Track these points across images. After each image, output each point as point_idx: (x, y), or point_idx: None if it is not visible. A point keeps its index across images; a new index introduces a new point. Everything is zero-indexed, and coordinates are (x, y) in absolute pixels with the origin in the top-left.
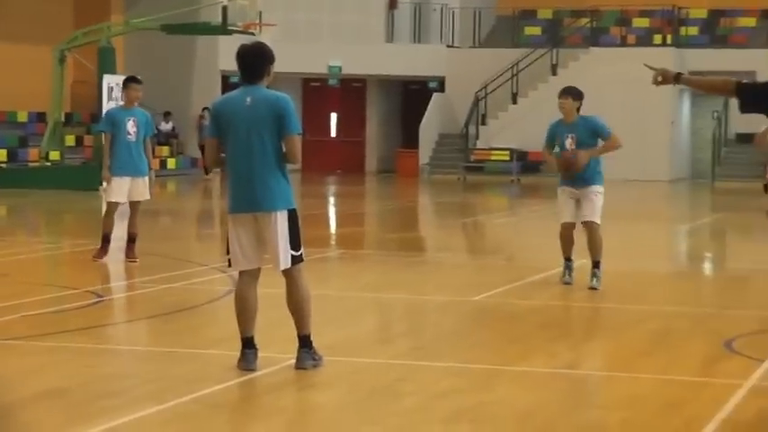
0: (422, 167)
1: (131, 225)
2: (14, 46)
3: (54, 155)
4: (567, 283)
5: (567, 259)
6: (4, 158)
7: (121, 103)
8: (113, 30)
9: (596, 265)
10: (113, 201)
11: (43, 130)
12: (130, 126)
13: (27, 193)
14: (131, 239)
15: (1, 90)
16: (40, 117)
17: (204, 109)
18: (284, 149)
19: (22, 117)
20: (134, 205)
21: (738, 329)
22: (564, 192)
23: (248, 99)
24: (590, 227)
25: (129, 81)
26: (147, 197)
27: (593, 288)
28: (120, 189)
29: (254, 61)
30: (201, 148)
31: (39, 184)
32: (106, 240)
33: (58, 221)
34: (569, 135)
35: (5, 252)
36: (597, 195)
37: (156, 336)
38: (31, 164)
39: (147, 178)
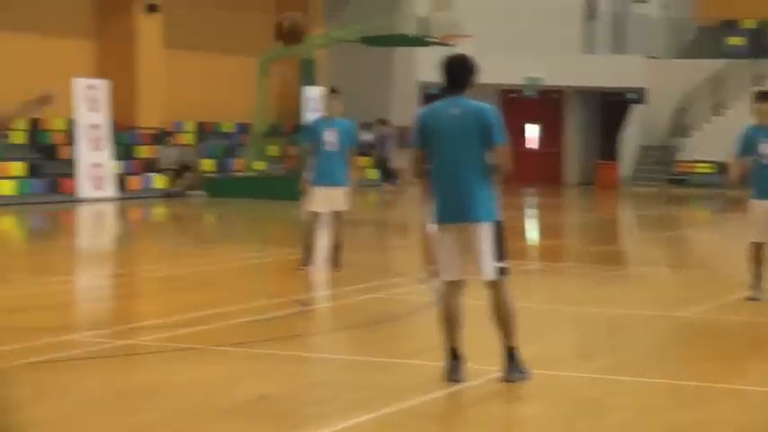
0: (623, 179)
1: (336, 234)
2: (220, 58)
3: (258, 165)
4: (754, 299)
5: (756, 277)
6: (212, 168)
7: (323, 113)
8: (315, 41)
9: None
10: (312, 210)
11: (247, 141)
12: (330, 136)
13: (233, 203)
14: (336, 249)
15: (209, 101)
16: (245, 128)
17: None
18: (491, 160)
19: (228, 127)
20: (336, 215)
21: None
22: (759, 206)
23: (454, 110)
24: None
25: (331, 92)
26: (345, 208)
27: None
28: (320, 199)
29: (460, 72)
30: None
31: (244, 194)
32: (308, 249)
33: (265, 230)
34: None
35: (213, 260)
36: None
37: (360, 345)
38: (236, 173)
39: (345, 189)
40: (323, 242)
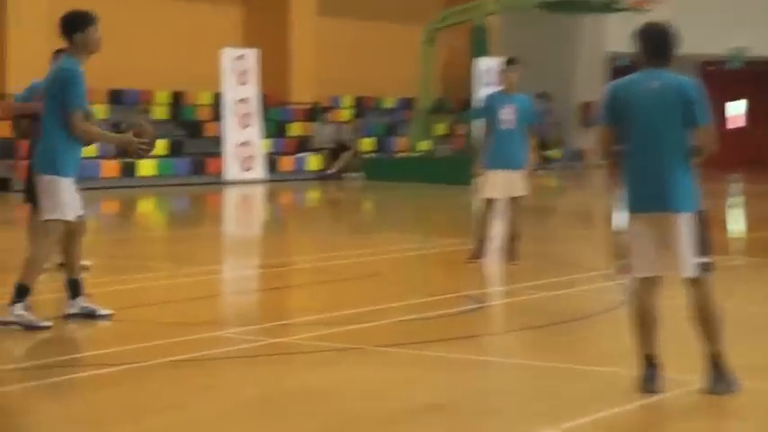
0: None
1: (512, 223)
2: (381, 26)
3: (422, 145)
4: None
5: None
6: (372, 148)
7: (500, 87)
8: (488, 7)
9: None
10: (486, 197)
11: (411, 118)
12: (507, 113)
13: (394, 186)
14: (512, 239)
15: (368, 75)
16: (408, 104)
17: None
18: (692, 142)
19: (389, 103)
20: (513, 201)
21: None
22: None
23: (653, 83)
24: None
25: (507, 63)
26: (524, 193)
27: None
28: (494, 184)
29: (662, 41)
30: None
31: (406, 177)
32: (480, 240)
33: (430, 218)
34: None
35: (374, 250)
36: None
37: (539, 348)
38: (398, 154)
39: (524, 172)
40: (497, 232)
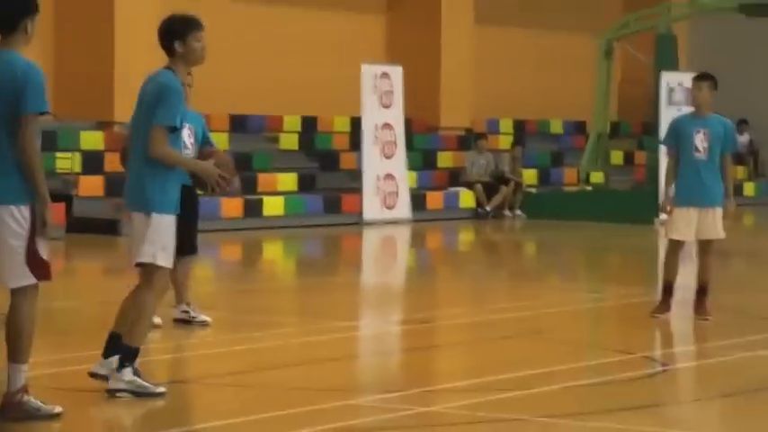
0: None
1: (702, 271)
2: (548, 36)
3: (596, 176)
4: None
5: None
6: (534, 181)
7: (689, 108)
8: (676, 12)
9: None
10: (675, 238)
11: (582, 145)
12: (700, 140)
13: (562, 225)
14: (702, 290)
15: (531, 94)
16: (579, 128)
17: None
18: None
19: (556, 128)
20: (704, 245)
21: None
22: None
23: None
24: None
25: (699, 79)
26: (721, 235)
27: None
28: (686, 223)
29: None
30: None
31: (577, 214)
32: (668, 291)
33: (604, 263)
34: None
35: (537, 303)
36: None
37: (740, 419)
38: (566, 188)
39: (720, 209)
40: (685, 280)
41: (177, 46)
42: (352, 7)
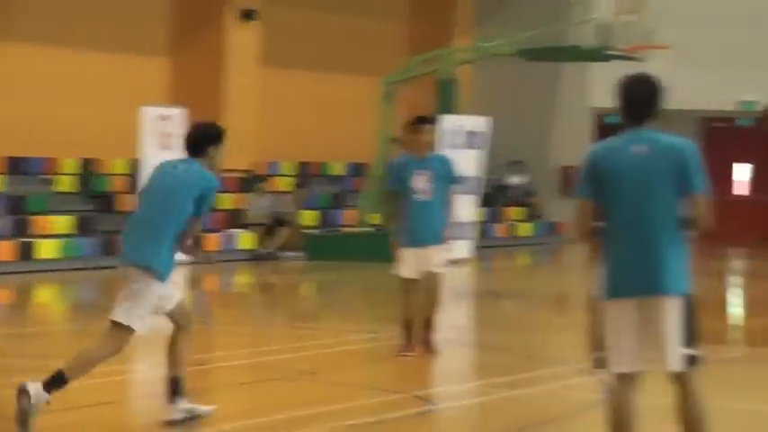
0: None
1: (426, 305)
2: (333, 78)
3: (375, 218)
4: None
5: None
6: (316, 222)
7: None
8: (457, 56)
9: None
10: (405, 276)
11: (362, 187)
12: (422, 182)
13: (342, 266)
14: (427, 325)
15: (315, 135)
16: (360, 170)
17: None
18: (686, 214)
19: (338, 170)
20: (429, 280)
21: None
22: None
23: (639, 147)
24: None
25: (421, 122)
26: (439, 270)
27: None
28: (413, 262)
29: (643, 96)
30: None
31: (356, 255)
32: (406, 329)
33: (380, 303)
34: None
35: (312, 343)
36: None
37: None
38: (345, 229)
39: (441, 247)
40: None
41: None
42: (135, 49)
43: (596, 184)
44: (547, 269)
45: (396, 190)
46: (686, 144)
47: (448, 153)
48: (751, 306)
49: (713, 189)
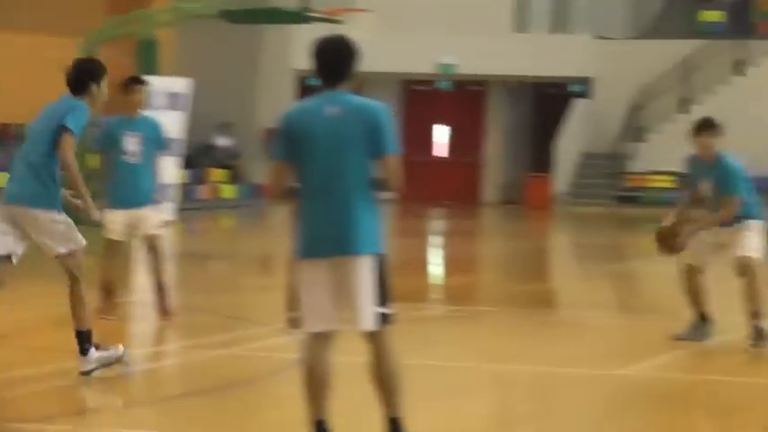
0: (558, 197)
1: (156, 269)
2: (31, 38)
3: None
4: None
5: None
6: None
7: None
8: (157, 18)
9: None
10: (113, 238)
11: None
12: (132, 144)
13: None
14: (160, 289)
15: (11, 96)
16: None
17: None
18: (378, 174)
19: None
20: (149, 243)
21: None
22: None
23: (332, 109)
24: None
25: (129, 82)
26: (156, 231)
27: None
28: (121, 223)
29: (336, 59)
30: None
31: None
32: (106, 290)
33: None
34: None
35: (2, 308)
36: None
37: (202, 418)
38: None
39: (153, 208)
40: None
41: None
42: None
43: (291, 145)
44: (251, 231)
45: (105, 150)
46: (379, 106)
47: (152, 114)
48: (450, 265)
49: (415, 151)
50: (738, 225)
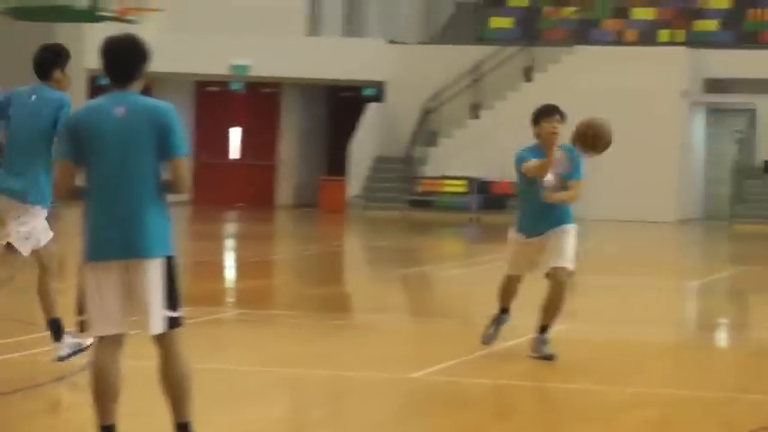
0: (352, 201)
1: None
2: None
3: None
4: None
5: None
6: None
7: None
8: None
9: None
10: None
11: None
12: None
13: None
14: None
15: None
16: None
17: None
18: (166, 176)
19: None
20: None
21: (760, 419)
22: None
23: (119, 109)
24: None
25: None
26: None
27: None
28: None
29: (125, 58)
30: None
31: None
32: None
33: None
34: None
35: None
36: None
37: None
38: None
39: None
40: None
41: None
42: None
43: (77, 144)
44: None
45: None
46: (166, 107)
47: None
48: (243, 268)
49: (208, 153)
50: (555, 229)
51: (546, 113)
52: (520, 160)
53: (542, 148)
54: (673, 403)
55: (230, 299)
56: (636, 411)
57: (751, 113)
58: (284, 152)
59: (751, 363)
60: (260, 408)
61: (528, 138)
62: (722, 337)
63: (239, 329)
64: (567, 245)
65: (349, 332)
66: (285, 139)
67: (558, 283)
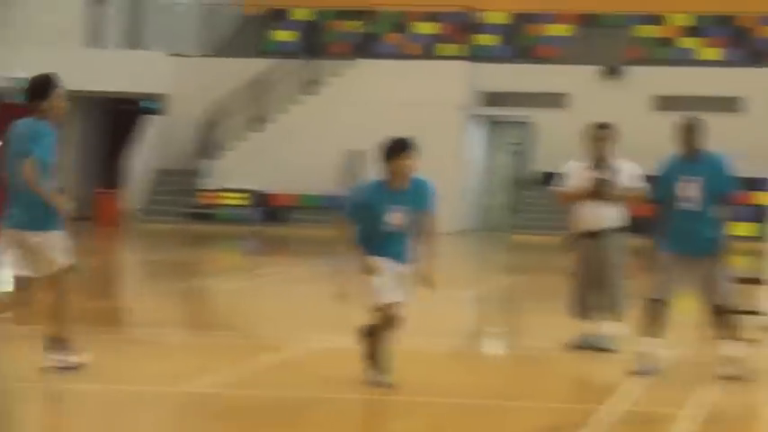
0: (131, 214)
1: None
2: None
3: None
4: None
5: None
6: None
7: None
8: None
9: None
10: None
11: None
12: None
13: None
14: None
15: None
16: None
17: None
18: None
19: None
20: None
21: (525, 427)
22: None
23: None
24: None
25: None
26: None
27: None
28: None
29: None
30: None
31: None
32: None
33: None
34: None
35: None
36: None
37: None
38: None
39: None
40: None
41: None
42: None
43: None
44: None
45: None
46: None
47: None
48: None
49: None
50: None
51: (400, 149)
52: (356, 200)
53: (390, 184)
54: (443, 412)
55: None
56: (406, 420)
57: (528, 126)
58: (60, 163)
59: (520, 370)
60: (30, 424)
61: (311, 148)
62: (493, 345)
63: (10, 346)
64: None
65: (125, 346)
66: (61, 151)
67: None
